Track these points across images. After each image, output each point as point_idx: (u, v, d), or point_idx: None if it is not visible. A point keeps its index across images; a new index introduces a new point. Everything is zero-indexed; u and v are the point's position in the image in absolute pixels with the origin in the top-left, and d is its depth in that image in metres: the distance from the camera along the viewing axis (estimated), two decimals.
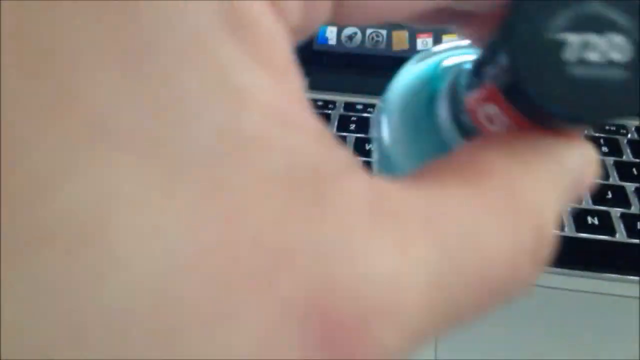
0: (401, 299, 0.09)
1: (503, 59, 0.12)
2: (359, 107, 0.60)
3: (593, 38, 0.12)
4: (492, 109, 0.14)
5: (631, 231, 0.48)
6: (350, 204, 0.09)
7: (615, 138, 0.57)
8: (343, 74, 0.63)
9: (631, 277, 0.45)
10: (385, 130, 0.19)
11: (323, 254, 0.09)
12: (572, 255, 0.46)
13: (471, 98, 0.15)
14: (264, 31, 0.10)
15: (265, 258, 0.08)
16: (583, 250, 0.46)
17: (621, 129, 0.58)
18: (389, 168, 0.19)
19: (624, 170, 0.53)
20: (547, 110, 0.12)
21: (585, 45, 0.12)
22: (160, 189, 0.08)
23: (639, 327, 0.41)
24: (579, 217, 0.49)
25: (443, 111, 0.17)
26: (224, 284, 0.08)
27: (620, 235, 0.47)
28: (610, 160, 0.54)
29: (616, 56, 0.12)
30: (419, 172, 0.12)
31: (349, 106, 0.60)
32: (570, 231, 0.48)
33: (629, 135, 0.57)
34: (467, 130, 0.16)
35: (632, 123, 0.58)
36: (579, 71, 0.12)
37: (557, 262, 0.46)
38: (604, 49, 0.12)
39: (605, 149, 0.55)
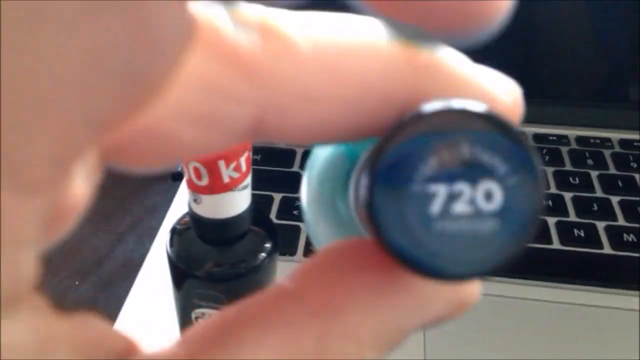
0: None
1: (367, 201, 0.11)
2: None
3: (462, 187, 0.11)
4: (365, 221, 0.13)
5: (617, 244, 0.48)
6: None
7: (600, 151, 0.56)
8: None
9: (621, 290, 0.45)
10: (304, 194, 0.18)
11: None
12: (560, 267, 0.45)
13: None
14: None
15: None
16: (572, 262, 0.46)
17: (606, 142, 0.57)
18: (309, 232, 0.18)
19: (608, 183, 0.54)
20: (404, 266, 0.11)
21: (452, 197, 0.11)
22: None
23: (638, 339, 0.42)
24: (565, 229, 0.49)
25: (350, 198, 0.15)
26: None
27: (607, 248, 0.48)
28: (595, 173, 0.54)
29: (485, 206, 0.11)
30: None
31: None
32: (555, 244, 0.48)
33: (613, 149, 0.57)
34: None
35: (615, 136, 0.58)
36: (443, 225, 0.11)
37: (546, 275, 0.45)
38: (473, 199, 0.11)
39: (590, 161, 0.55)
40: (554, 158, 0.57)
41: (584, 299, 0.44)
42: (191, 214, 0.33)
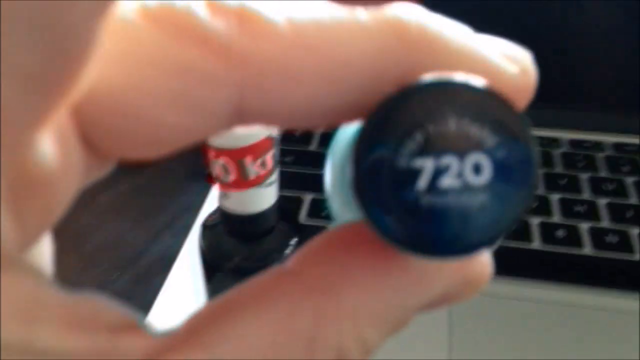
0: None
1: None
2: None
3: (449, 160, 0.10)
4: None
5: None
6: None
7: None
8: None
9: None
10: (327, 178, 0.16)
11: None
12: (588, 271, 0.44)
13: None
14: None
15: None
16: (602, 267, 0.44)
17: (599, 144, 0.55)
18: (332, 218, 0.17)
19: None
20: (394, 245, 0.10)
21: (439, 171, 0.10)
22: None
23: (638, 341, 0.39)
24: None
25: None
26: None
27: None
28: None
29: (474, 179, 0.10)
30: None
31: None
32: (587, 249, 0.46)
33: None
34: None
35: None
36: (430, 200, 0.10)
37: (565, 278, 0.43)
38: (461, 172, 0.10)
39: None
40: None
41: (612, 304, 0.42)
42: (220, 209, 0.32)
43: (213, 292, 0.34)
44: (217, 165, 0.30)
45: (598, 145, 0.55)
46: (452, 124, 0.10)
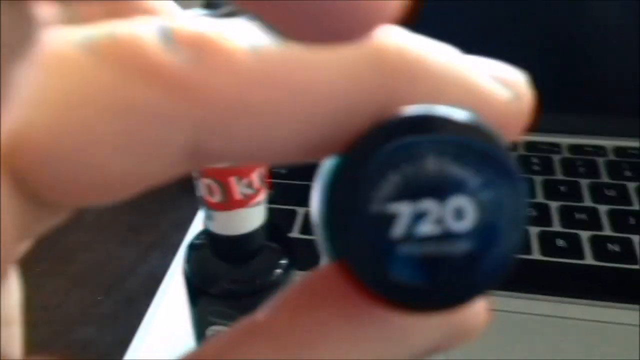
0: None
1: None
2: None
3: (428, 205, 0.09)
4: None
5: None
6: None
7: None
8: None
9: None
10: (314, 207, 0.16)
11: None
12: (591, 283, 0.42)
13: None
14: None
15: None
16: (604, 278, 0.43)
17: (599, 149, 0.54)
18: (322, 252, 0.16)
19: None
20: (369, 299, 0.10)
21: (417, 216, 0.09)
22: None
23: None
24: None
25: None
26: None
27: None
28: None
29: (456, 225, 0.09)
30: None
31: None
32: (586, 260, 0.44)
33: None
34: None
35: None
36: (407, 250, 0.09)
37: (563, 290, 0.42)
38: (441, 218, 0.09)
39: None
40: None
41: (614, 317, 0.40)
42: (206, 231, 0.31)
43: (199, 317, 0.33)
44: (202, 186, 0.29)
45: (599, 150, 0.54)
46: (431, 164, 0.09)
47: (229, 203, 0.29)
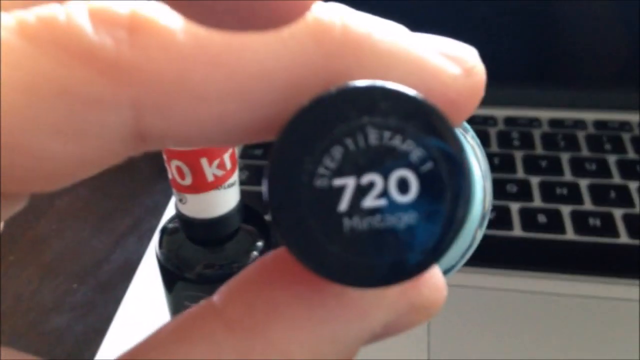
0: None
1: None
2: None
3: (372, 178, 0.09)
4: None
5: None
6: None
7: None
8: None
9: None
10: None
11: None
12: (574, 259, 0.42)
13: None
14: None
15: None
16: (587, 253, 0.43)
17: (579, 123, 0.54)
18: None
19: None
20: (319, 276, 0.10)
21: (362, 190, 0.09)
22: None
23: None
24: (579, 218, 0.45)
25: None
26: None
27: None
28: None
29: (400, 198, 0.10)
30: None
31: None
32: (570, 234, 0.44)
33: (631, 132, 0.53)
34: None
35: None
36: (353, 224, 0.09)
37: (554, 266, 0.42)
38: (386, 191, 0.09)
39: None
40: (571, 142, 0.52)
41: (596, 291, 0.40)
42: (178, 215, 0.30)
43: (175, 303, 0.32)
44: (172, 168, 0.28)
45: (579, 124, 0.54)
46: (373, 138, 0.09)
47: (200, 185, 0.29)
